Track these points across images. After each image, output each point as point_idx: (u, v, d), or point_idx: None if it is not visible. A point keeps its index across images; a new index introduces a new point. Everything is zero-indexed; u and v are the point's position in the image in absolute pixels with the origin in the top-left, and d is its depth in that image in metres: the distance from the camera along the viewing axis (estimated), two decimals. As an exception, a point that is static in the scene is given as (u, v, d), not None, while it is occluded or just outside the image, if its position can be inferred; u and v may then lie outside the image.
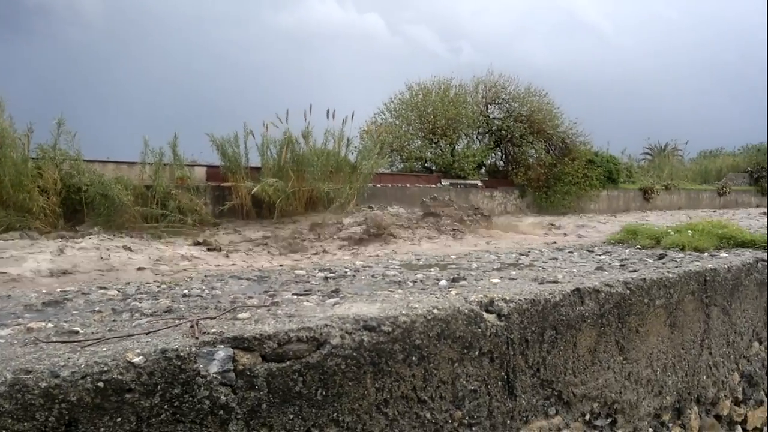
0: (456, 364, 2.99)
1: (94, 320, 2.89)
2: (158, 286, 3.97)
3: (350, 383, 2.65)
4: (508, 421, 3.24)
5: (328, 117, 15.36)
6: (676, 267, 4.67)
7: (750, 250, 5.75)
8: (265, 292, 3.64)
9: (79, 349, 2.33)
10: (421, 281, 4.05)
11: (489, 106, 26.43)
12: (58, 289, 3.94)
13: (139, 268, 6.54)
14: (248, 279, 4.25)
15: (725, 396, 4.88)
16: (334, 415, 2.60)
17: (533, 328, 3.33)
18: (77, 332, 2.60)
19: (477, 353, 3.07)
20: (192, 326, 2.52)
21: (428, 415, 2.91)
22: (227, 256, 8.11)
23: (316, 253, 8.70)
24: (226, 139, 13.88)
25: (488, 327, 3.11)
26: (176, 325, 2.59)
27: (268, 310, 2.96)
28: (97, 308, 3.18)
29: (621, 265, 4.80)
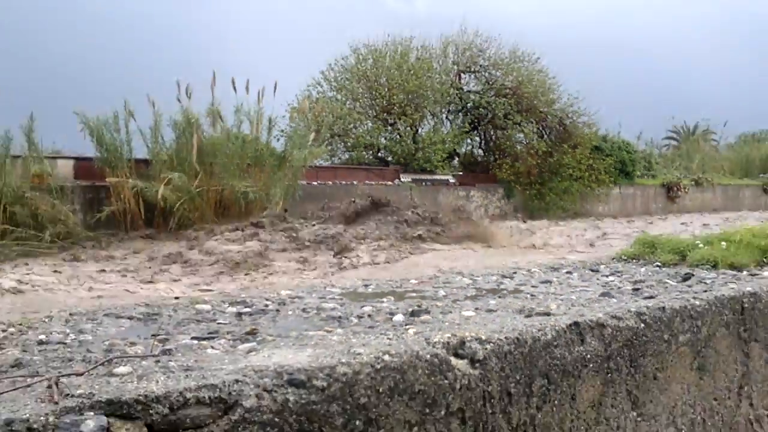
0: (416, 429, 2.37)
1: None
2: (2, 331, 3.16)
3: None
4: None
5: (235, 89, 11.84)
6: (706, 291, 3.90)
7: None
8: (154, 335, 2.95)
9: None
10: (369, 316, 3.39)
11: (462, 75, 20.65)
12: None
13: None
14: (130, 317, 3.49)
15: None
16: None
17: (518, 377, 2.69)
18: None
19: (443, 412, 2.45)
20: (50, 386, 2.00)
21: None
22: (104, 284, 6.66)
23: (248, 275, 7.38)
24: (102, 121, 10.72)
25: (458, 377, 2.49)
26: (28, 386, 2.05)
27: (158, 361, 2.34)
28: None
29: (634, 290, 4.07)
